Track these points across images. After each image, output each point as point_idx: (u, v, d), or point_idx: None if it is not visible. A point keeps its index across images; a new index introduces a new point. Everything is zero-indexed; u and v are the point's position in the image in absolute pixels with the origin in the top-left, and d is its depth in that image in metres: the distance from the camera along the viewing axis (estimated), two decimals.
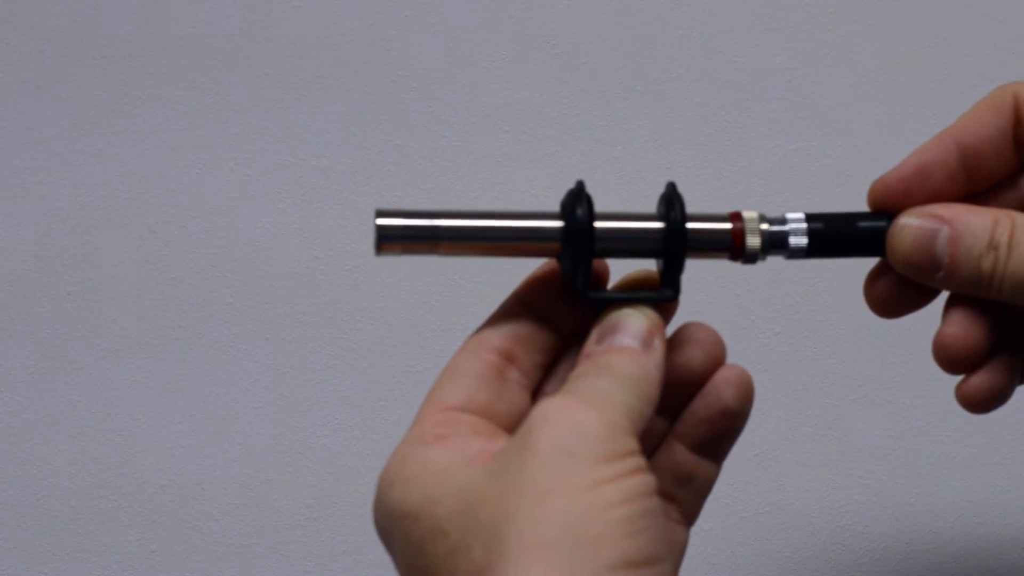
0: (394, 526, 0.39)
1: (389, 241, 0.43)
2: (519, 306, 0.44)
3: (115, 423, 0.80)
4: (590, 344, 0.42)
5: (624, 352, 0.41)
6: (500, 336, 0.43)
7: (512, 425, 0.42)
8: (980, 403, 0.46)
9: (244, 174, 0.80)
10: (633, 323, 0.42)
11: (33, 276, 0.80)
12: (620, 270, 0.47)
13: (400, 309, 0.80)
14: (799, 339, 0.80)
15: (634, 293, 0.44)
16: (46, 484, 0.80)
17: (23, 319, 0.80)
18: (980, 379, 0.46)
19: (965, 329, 0.46)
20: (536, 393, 0.45)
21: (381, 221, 0.43)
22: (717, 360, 0.45)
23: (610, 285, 0.46)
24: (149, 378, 0.80)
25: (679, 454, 0.45)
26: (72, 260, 0.80)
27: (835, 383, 0.81)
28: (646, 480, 0.37)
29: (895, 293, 0.47)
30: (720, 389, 0.45)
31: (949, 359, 0.46)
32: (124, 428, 0.80)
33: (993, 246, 0.44)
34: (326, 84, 0.80)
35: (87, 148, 0.80)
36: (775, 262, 0.47)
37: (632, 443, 0.38)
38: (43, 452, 0.80)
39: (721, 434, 0.45)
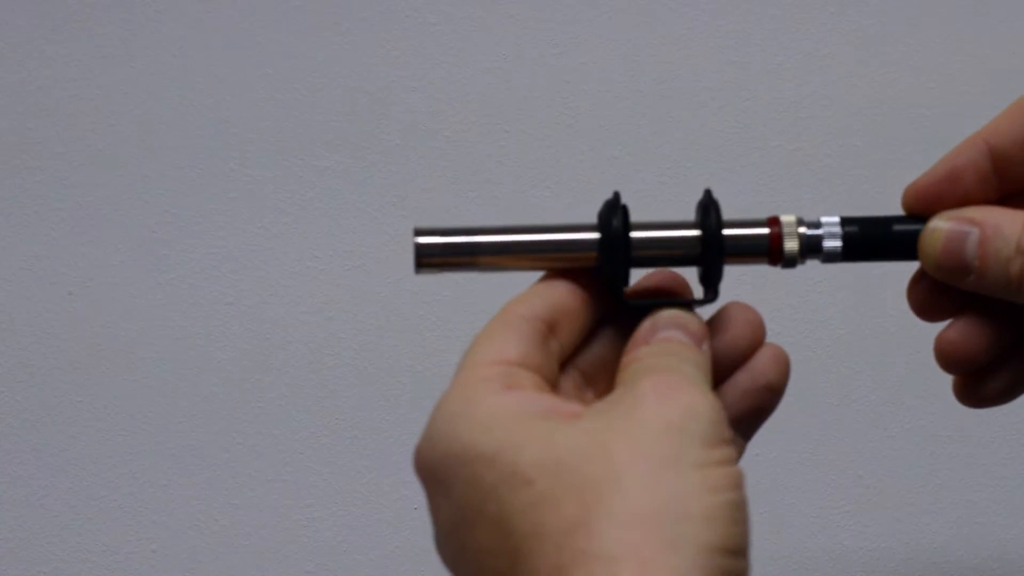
0: (458, 468, 0.38)
1: (428, 258, 0.43)
2: (565, 279, 0.44)
3: (115, 422, 0.80)
4: (643, 334, 0.42)
5: (686, 345, 0.41)
6: (545, 305, 0.43)
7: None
8: (979, 403, 0.47)
9: (244, 174, 0.80)
10: (685, 322, 0.42)
11: (33, 276, 0.80)
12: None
13: (401, 309, 0.80)
14: (798, 340, 0.80)
15: (674, 300, 0.44)
16: (46, 484, 0.80)
17: (22, 319, 0.80)
18: (994, 384, 0.46)
19: (964, 336, 0.46)
20: (563, 367, 0.44)
21: (420, 240, 0.43)
22: (760, 339, 0.46)
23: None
24: (148, 378, 0.80)
25: None
26: (72, 260, 0.80)
27: (835, 383, 0.81)
28: (741, 472, 0.38)
29: (935, 297, 0.47)
30: (765, 365, 0.45)
31: (946, 362, 0.46)
32: (124, 428, 0.80)
33: (1021, 251, 0.43)
34: (326, 84, 0.80)
35: (86, 147, 0.80)
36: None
37: (730, 432, 0.39)
38: (43, 451, 0.80)
39: (759, 409, 0.46)
